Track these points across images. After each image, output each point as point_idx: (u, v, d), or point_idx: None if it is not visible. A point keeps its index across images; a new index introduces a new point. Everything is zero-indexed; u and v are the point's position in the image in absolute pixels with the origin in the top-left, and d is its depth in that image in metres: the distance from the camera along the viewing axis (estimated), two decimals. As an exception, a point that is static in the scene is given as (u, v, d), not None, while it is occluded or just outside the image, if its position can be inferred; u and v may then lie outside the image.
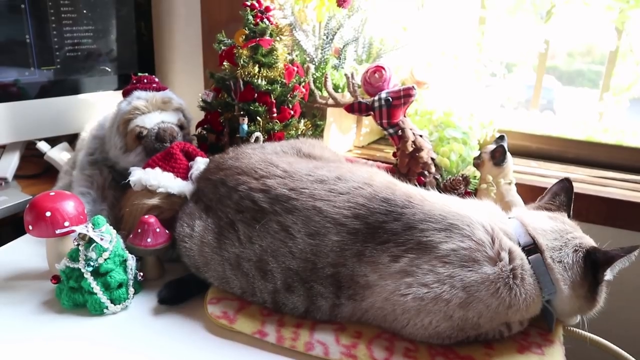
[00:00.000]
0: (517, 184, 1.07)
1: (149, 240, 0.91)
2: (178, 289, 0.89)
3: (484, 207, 0.85)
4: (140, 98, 1.06)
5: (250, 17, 1.08)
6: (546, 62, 1.51)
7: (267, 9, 1.10)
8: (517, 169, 1.25)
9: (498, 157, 1.05)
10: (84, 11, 1.31)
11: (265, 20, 1.09)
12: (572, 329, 0.86)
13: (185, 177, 0.99)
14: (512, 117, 1.49)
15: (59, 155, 1.33)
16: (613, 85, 1.44)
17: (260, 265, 0.81)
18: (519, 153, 1.38)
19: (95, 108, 1.36)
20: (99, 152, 1.12)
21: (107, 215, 1.03)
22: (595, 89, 1.49)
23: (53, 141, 1.36)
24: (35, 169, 1.40)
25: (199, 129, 1.18)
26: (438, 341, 0.77)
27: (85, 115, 1.34)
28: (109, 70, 1.39)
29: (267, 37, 1.09)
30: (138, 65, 1.44)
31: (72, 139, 1.32)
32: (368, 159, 1.26)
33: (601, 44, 1.45)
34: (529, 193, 1.09)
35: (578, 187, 1.15)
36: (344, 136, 1.35)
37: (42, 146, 1.34)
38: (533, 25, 1.46)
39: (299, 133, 1.15)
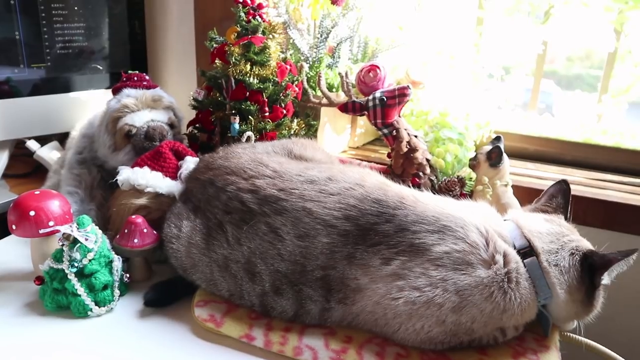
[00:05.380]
0: (513, 186, 1.05)
1: (135, 241, 0.89)
2: (165, 291, 0.87)
3: (479, 209, 0.83)
4: (129, 96, 1.05)
5: (242, 14, 1.07)
6: (544, 64, 1.49)
7: (260, 6, 1.08)
8: (514, 170, 1.23)
9: (494, 158, 1.03)
10: (75, 8, 1.29)
11: (257, 17, 1.07)
12: (568, 334, 0.84)
13: (174, 176, 0.97)
14: (509, 118, 1.48)
15: (49, 154, 1.31)
16: (612, 87, 1.43)
17: (248, 267, 0.79)
18: (516, 155, 1.36)
19: (87, 106, 1.34)
20: (88, 151, 1.10)
21: (95, 215, 1.01)
22: (594, 93, 1.47)
23: (44, 140, 1.34)
24: (25, 168, 1.38)
25: (190, 128, 1.16)
26: (430, 346, 0.75)
27: (76, 113, 1.32)
28: (101, 68, 1.37)
29: (259, 35, 1.07)
30: (130, 63, 1.42)
31: (63, 138, 1.30)
32: (362, 160, 1.24)
33: (600, 47, 1.43)
34: (526, 195, 1.07)
35: (575, 190, 1.13)
36: (338, 136, 1.33)
37: (32, 145, 1.32)
38: (531, 26, 1.45)
39: (292, 133, 1.13)
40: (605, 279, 0.77)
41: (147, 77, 1.09)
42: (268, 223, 0.79)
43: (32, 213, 0.85)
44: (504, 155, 1.04)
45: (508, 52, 1.49)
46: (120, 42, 1.40)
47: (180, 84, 1.52)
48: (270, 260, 0.78)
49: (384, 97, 1.05)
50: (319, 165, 0.90)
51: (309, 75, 1.23)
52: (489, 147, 1.05)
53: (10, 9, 1.19)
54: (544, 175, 1.25)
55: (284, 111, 1.12)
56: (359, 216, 0.77)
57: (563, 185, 0.89)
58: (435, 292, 0.71)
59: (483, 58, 1.39)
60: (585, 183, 1.22)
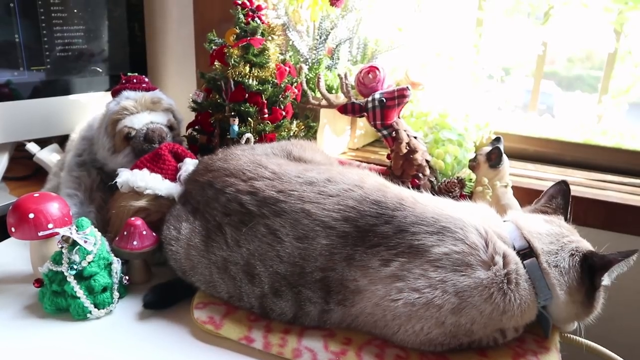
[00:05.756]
0: (513, 187, 1.05)
1: (135, 243, 0.89)
2: (164, 293, 0.87)
3: (478, 210, 0.83)
4: (129, 98, 1.05)
5: (241, 16, 1.07)
6: (544, 65, 1.49)
7: (259, 8, 1.08)
8: (513, 171, 1.23)
9: (494, 159, 1.03)
10: (75, 11, 1.29)
11: (256, 19, 1.07)
12: (568, 335, 0.84)
13: (173, 178, 0.97)
14: (509, 120, 1.47)
15: (49, 156, 1.31)
16: (612, 88, 1.43)
17: (247, 269, 0.79)
18: (516, 156, 1.36)
19: (86, 109, 1.34)
20: (88, 153, 1.10)
21: (94, 217, 1.01)
22: (594, 94, 1.47)
23: (44, 143, 1.34)
24: (25, 170, 1.38)
25: (189, 130, 1.16)
26: (430, 348, 0.75)
27: (75, 116, 1.32)
28: (101, 71, 1.37)
29: (258, 37, 1.07)
30: (130, 66, 1.42)
31: (62, 141, 1.30)
32: (362, 162, 1.24)
33: (600, 48, 1.43)
34: (526, 196, 1.07)
35: (575, 190, 1.13)
36: (338, 138, 1.33)
37: (32, 147, 1.32)
38: (531, 27, 1.45)
39: (291, 134, 1.13)
40: (606, 280, 0.77)
41: (146, 79, 1.09)
42: (267, 225, 0.79)
43: (31, 215, 0.85)
44: (504, 156, 1.04)
45: (508, 53, 1.49)
46: (120, 44, 1.40)
47: (180, 86, 1.52)
48: (269, 262, 0.77)
49: (384, 99, 1.05)
50: (318, 166, 0.89)
51: (308, 77, 1.23)
52: (488, 148, 1.05)
53: (10, 11, 1.19)
54: (544, 176, 1.25)
55: (283, 113, 1.12)
56: (358, 217, 0.76)
57: (563, 186, 0.89)
58: (434, 293, 0.71)
59: (483, 59, 1.39)
60: (585, 184, 1.22)
